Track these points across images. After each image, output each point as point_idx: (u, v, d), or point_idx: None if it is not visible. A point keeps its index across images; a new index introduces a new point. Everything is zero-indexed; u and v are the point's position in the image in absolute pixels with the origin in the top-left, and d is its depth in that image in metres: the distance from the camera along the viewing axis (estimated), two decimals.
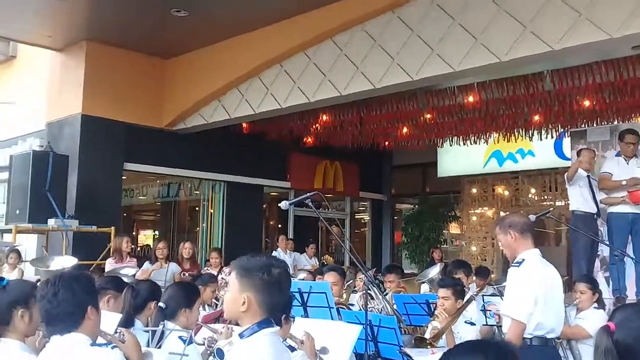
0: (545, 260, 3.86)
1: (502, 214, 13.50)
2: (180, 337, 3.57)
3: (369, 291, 5.11)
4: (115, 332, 3.00)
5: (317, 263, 11.66)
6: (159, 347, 3.61)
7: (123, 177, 10.74)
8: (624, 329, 2.14)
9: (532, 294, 3.63)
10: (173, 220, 14.44)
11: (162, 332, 3.62)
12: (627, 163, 7.00)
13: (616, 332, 2.13)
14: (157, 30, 9.51)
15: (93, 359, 2.58)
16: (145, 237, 17.05)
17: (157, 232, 16.63)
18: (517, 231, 3.82)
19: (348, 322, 4.31)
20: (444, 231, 14.20)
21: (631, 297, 6.87)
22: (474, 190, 13.82)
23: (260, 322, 2.30)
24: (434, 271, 6.17)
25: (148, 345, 3.55)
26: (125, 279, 5.18)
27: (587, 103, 9.19)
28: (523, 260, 3.76)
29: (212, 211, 12.19)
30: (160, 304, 3.78)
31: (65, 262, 6.61)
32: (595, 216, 7.15)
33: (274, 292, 2.33)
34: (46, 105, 10.72)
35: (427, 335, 4.21)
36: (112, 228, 9.21)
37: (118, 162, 10.34)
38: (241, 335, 2.30)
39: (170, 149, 10.89)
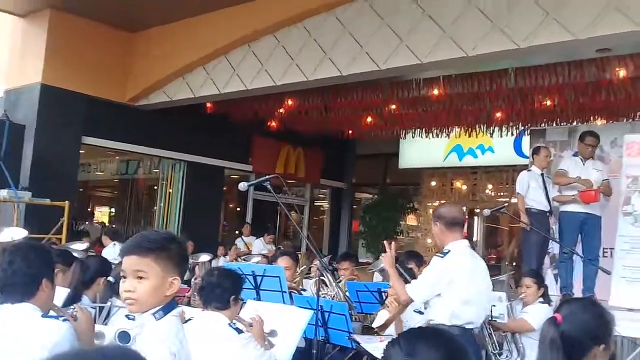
0: (473, 252, 3.96)
1: None
2: (127, 315, 3.51)
3: (322, 277, 5.12)
4: (71, 309, 2.93)
5: (274, 249, 11.64)
6: (106, 324, 3.56)
7: (81, 151, 10.52)
8: (569, 322, 2.20)
9: (438, 286, 3.78)
10: (130, 198, 14.22)
11: (110, 309, 3.57)
12: (584, 164, 7.13)
13: (562, 324, 2.19)
14: (125, 2, 9.31)
15: (42, 328, 2.52)
16: (101, 214, 16.78)
17: (113, 210, 16.38)
18: (443, 224, 3.92)
19: (300, 306, 4.31)
20: (401, 222, 14.32)
21: (578, 294, 7.02)
22: (433, 183, 13.96)
23: (171, 303, 2.16)
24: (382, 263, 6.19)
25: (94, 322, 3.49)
26: (75, 254, 5.09)
27: (548, 102, 9.34)
28: (449, 251, 3.87)
29: (170, 191, 12.05)
30: (110, 278, 3.73)
31: (14, 233, 6.43)
32: (547, 214, 7.27)
33: (186, 265, 2.26)
34: (5, 73, 10.41)
35: (376, 324, 4.24)
36: (67, 202, 9.03)
37: (76, 135, 10.13)
38: (156, 316, 2.11)
39: (131, 125, 10.69)
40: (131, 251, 2.12)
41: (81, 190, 13.32)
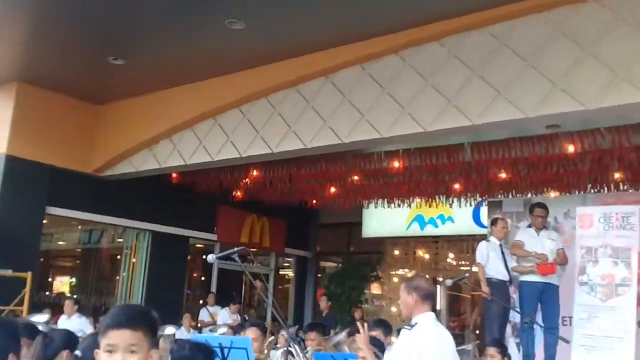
0: (439, 324, 4.07)
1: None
2: None
3: (289, 348, 5.16)
4: None
5: (239, 319, 11.56)
6: None
7: (44, 221, 10.46)
8: None
9: (407, 359, 3.84)
10: (93, 268, 14.01)
11: None
12: (538, 234, 7.42)
13: None
14: (92, 77, 9.52)
15: None
16: (62, 284, 16.40)
17: (74, 279, 16.06)
18: (419, 295, 4.02)
19: None
20: (365, 291, 14.38)
21: None
22: (396, 252, 14.13)
23: None
24: (339, 337, 6.26)
25: None
26: (39, 327, 5.06)
27: (503, 175, 9.71)
28: (416, 324, 3.96)
29: (134, 260, 11.96)
30: (77, 352, 3.72)
31: None
32: (507, 283, 7.48)
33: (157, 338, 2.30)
34: None
35: None
36: (29, 273, 8.91)
37: (40, 205, 10.09)
38: None
39: (96, 195, 10.71)
40: (124, 325, 2.11)
41: (41, 259, 13.10)
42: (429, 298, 4.05)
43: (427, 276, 13.27)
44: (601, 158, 8.60)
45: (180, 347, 3.60)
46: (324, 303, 11.23)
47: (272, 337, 6.79)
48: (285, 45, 7.94)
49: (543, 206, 7.60)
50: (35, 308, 9.39)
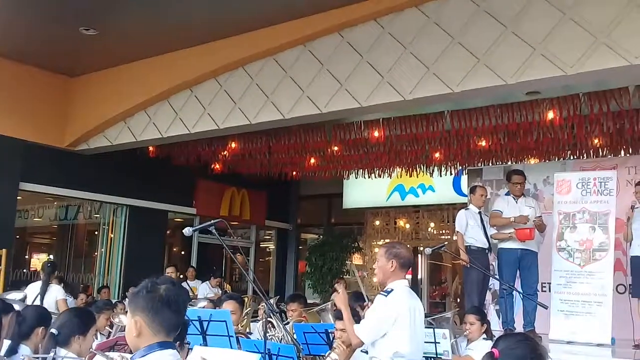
0: (412, 291, 4.10)
1: None
2: None
3: (269, 319, 5.12)
4: None
5: (220, 292, 11.51)
6: None
7: (18, 198, 10.25)
8: (506, 356, 2.32)
9: (384, 325, 3.88)
10: (70, 244, 13.84)
11: None
12: (516, 202, 7.44)
13: (499, 359, 2.30)
14: (64, 48, 9.25)
15: None
16: (39, 260, 16.21)
17: (51, 256, 15.88)
18: (399, 263, 4.03)
19: (247, 350, 4.31)
20: (347, 262, 14.41)
21: (519, 329, 7.22)
22: (377, 223, 14.15)
23: (152, 345, 2.18)
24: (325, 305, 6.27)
25: None
26: (15, 305, 4.96)
27: (483, 143, 9.69)
28: (392, 290, 3.98)
29: (112, 236, 11.82)
30: (53, 330, 3.65)
31: None
32: (486, 251, 7.50)
33: (162, 309, 2.22)
34: None
35: None
36: (4, 250, 8.76)
37: (13, 181, 9.88)
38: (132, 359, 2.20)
39: (70, 170, 10.51)
40: None
41: (18, 237, 12.91)
42: (407, 266, 4.09)
43: (408, 245, 13.39)
44: (580, 124, 8.59)
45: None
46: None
47: (249, 309, 6.76)
48: (261, 13, 7.77)
49: (521, 173, 7.60)
50: (13, 285, 9.28)
